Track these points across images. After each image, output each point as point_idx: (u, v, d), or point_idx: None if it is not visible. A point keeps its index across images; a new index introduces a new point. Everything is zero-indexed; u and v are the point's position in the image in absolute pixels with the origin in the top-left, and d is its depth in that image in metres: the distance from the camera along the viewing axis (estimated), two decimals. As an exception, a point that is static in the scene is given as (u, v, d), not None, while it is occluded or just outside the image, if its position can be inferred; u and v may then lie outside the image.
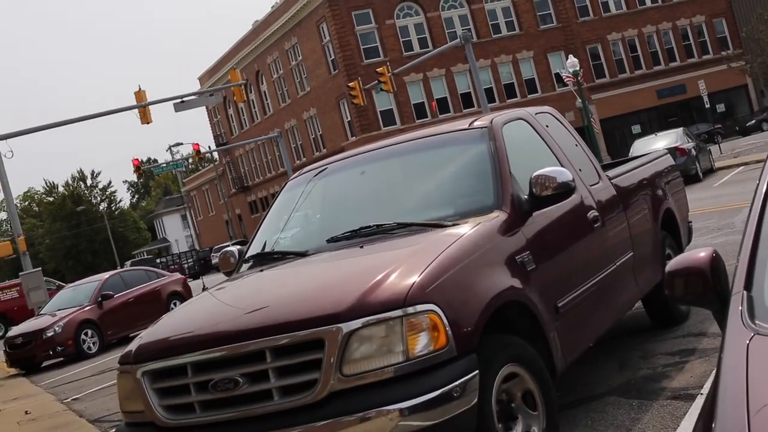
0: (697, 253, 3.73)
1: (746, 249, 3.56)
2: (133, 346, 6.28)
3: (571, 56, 56.13)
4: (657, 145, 32.62)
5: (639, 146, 34.59)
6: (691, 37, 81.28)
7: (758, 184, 3.91)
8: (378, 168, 8.15)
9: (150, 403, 5.88)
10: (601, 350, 9.02)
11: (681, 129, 38.42)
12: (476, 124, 7.85)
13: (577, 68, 51.86)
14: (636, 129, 73.95)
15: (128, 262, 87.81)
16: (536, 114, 8.53)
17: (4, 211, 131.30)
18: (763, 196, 3.77)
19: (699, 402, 6.86)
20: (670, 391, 7.42)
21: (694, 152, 34.26)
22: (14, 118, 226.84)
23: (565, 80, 50.95)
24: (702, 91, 60.22)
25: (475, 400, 5.38)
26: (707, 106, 62.07)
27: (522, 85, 74.29)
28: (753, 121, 73.31)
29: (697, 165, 34.26)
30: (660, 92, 78.27)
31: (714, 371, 7.31)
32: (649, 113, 77.78)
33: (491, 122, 7.70)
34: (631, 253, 8.53)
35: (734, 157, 43.42)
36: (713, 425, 2.65)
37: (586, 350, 7.51)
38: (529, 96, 72.20)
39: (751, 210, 3.77)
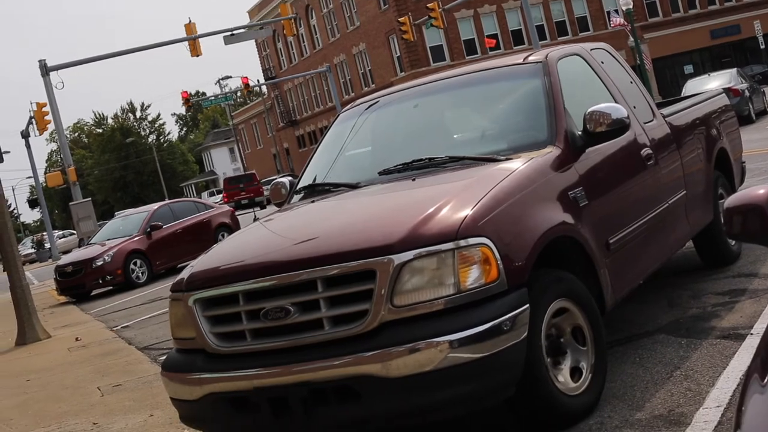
0: (756, 189, 3.69)
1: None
2: (185, 274, 6.33)
3: (624, -6, 55.44)
4: (710, 85, 32.19)
5: (691, 86, 34.16)
6: (747, -25, 79.90)
7: None
8: (431, 101, 8.11)
9: (201, 330, 5.94)
10: (650, 288, 8.98)
11: (734, 69, 37.84)
12: (531, 58, 7.78)
13: (630, 6, 51.21)
14: (688, 69, 72.99)
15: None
16: (591, 50, 8.44)
17: (54, 141, 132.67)
18: None
19: (749, 342, 6.83)
20: (719, 331, 7.38)
21: (747, 93, 33.79)
22: (65, 50, 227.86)
23: (611, 25, 49.99)
24: (757, 31, 59.47)
25: (525, 333, 5.38)
26: (762, 47, 61.29)
27: (573, 23, 73.57)
28: (809, 63, 72.19)
29: (750, 106, 33.81)
30: (714, 32, 77.12)
31: (765, 311, 7.30)
32: (702, 53, 76.78)
33: (546, 57, 7.63)
34: (684, 192, 8.46)
35: (788, 99, 42.79)
36: (772, 360, 2.63)
37: (636, 288, 7.48)
38: (580, 34, 71.51)
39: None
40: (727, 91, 28.22)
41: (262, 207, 63.66)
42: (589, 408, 5.96)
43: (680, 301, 8.59)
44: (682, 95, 20.76)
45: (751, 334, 7.04)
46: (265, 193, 68.16)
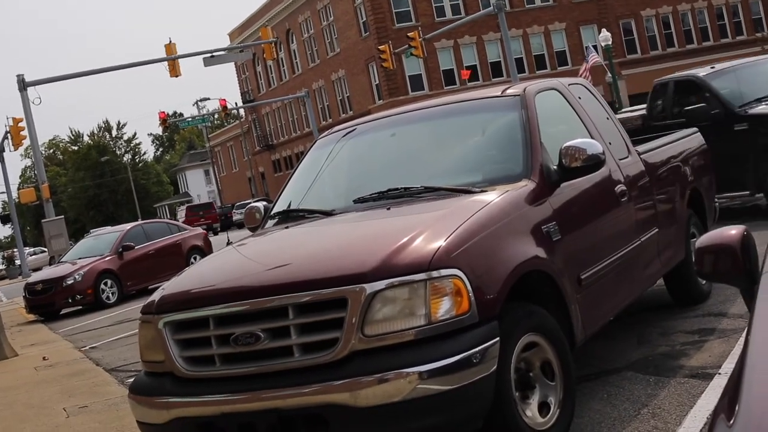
0: (728, 230, 3.72)
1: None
2: (155, 297, 6.30)
3: (603, 30, 55.97)
4: (686, 123, 32.36)
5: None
6: (725, 17, 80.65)
7: None
8: (408, 131, 8.13)
9: (170, 354, 5.91)
10: (620, 325, 9.01)
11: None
12: (509, 92, 7.82)
13: (610, 43, 51.55)
14: (665, 107, 73.37)
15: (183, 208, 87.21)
16: (569, 85, 8.49)
17: (29, 157, 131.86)
18: None
19: (717, 381, 6.86)
20: (687, 369, 7.40)
21: (722, 133, 33.99)
22: (44, 67, 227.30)
23: (589, 61, 49.96)
24: (734, 71, 59.80)
25: (495, 367, 5.37)
26: (738, 87, 61.65)
27: (553, 56, 74.03)
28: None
29: (725, 145, 34.00)
30: (691, 71, 77.66)
31: (734, 351, 7.33)
32: (679, 91, 77.19)
33: (524, 91, 7.66)
34: (656, 230, 8.51)
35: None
36: (738, 402, 2.64)
37: (606, 324, 7.50)
38: (559, 68, 71.89)
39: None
40: (702, 129, 28.39)
41: (215, 233, 68.56)
42: (556, 444, 5.95)
43: (650, 339, 8.61)
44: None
45: (719, 373, 7.06)
46: (237, 217, 69.92)
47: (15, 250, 71.66)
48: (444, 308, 5.31)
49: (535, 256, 6.14)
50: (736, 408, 2.62)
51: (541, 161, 6.92)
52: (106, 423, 9.33)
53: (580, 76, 45.90)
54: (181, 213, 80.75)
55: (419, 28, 56.01)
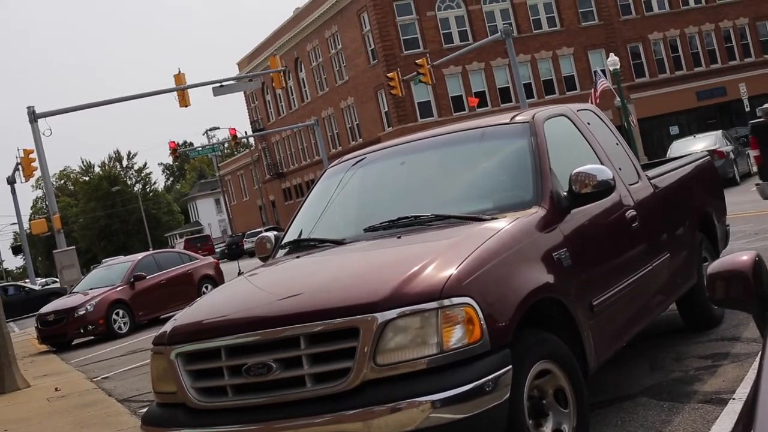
0: (739, 256, 3.70)
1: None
2: (167, 328, 6.31)
3: (611, 55, 55.94)
4: (695, 146, 32.42)
5: (677, 147, 34.43)
6: (733, 39, 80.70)
7: None
8: (417, 159, 8.14)
9: (182, 385, 5.91)
10: (633, 351, 8.97)
11: (720, 131, 38.19)
12: (518, 118, 7.83)
13: (618, 67, 51.57)
14: (674, 130, 73.38)
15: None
16: (578, 111, 8.50)
17: (40, 188, 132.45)
18: None
19: (731, 407, 6.82)
20: (701, 395, 7.37)
21: (732, 155, 34.05)
22: (54, 99, 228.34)
23: (599, 87, 49.87)
24: (743, 94, 59.88)
25: (507, 395, 5.36)
26: (747, 109, 61.67)
27: (561, 81, 74.10)
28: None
29: (735, 168, 34.05)
30: (700, 94, 77.75)
31: (748, 376, 7.29)
32: (688, 115, 77.27)
33: (533, 117, 7.67)
34: (668, 254, 8.48)
35: (773, 162, 42.98)
36: (753, 429, 2.63)
37: (619, 350, 7.48)
38: (567, 93, 72.01)
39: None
40: (712, 153, 28.43)
41: None
42: (570, 471, 5.93)
43: (663, 364, 8.58)
44: (668, 156, 20.87)
45: (734, 398, 7.03)
46: (248, 245, 69.06)
47: (27, 280, 71.81)
48: (456, 337, 5.30)
49: (546, 283, 6.13)
50: (751, 434, 2.61)
51: (551, 188, 6.92)
52: (118, 454, 9.31)
53: (591, 102, 45.92)
54: (179, 246, 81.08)
55: (427, 55, 56.15)
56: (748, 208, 22.76)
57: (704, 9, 79.95)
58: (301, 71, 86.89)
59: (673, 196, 9.19)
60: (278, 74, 50.94)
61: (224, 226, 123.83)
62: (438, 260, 5.74)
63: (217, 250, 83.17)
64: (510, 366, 5.41)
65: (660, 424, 6.79)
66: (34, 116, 42.13)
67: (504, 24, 60.03)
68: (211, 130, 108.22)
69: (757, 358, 7.90)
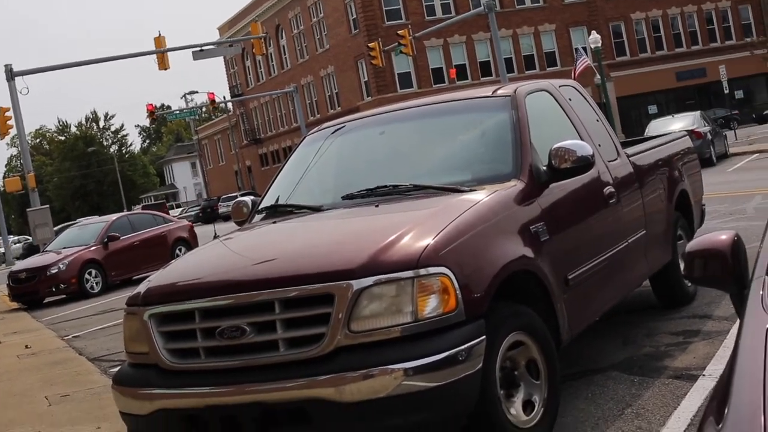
0: (719, 235, 3.72)
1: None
2: (141, 288, 6.29)
3: (593, 32, 55.97)
4: (673, 126, 32.50)
5: (655, 126, 34.50)
6: (715, 22, 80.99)
7: None
8: (398, 129, 8.12)
9: (155, 346, 5.89)
10: (606, 325, 9.02)
11: (698, 112, 38.23)
12: (500, 92, 7.82)
13: (599, 45, 51.55)
14: (653, 109, 73.65)
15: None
16: (560, 86, 8.50)
17: (15, 147, 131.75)
18: None
19: (701, 383, 6.88)
20: (672, 370, 7.42)
21: (709, 136, 34.14)
22: (32, 57, 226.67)
23: (578, 65, 49.55)
24: (722, 76, 60.05)
25: (480, 365, 5.38)
26: (726, 91, 61.95)
27: (542, 57, 74.13)
28: (771, 110, 73.06)
29: (712, 149, 34.15)
30: (679, 74, 77.97)
31: (718, 353, 7.36)
32: (667, 94, 77.51)
33: (515, 92, 7.66)
34: (644, 231, 8.52)
35: (749, 144, 43.31)
36: (727, 406, 2.65)
37: (592, 324, 7.52)
38: (548, 69, 72.01)
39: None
40: (690, 133, 28.53)
41: None
42: (539, 442, 5.96)
43: (635, 339, 8.63)
44: (646, 135, 20.92)
45: (704, 375, 7.09)
46: (223, 209, 69.59)
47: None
48: (431, 306, 5.30)
49: (522, 255, 6.14)
50: (726, 411, 2.63)
51: (530, 162, 6.92)
52: (88, 412, 9.30)
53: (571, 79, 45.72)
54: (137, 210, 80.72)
55: (409, 26, 56.07)
56: (724, 188, 22.90)
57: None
58: (282, 38, 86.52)
59: (651, 174, 9.22)
60: (259, 40, 50.68)
61: (200, 189, 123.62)
62: (415, 230, 5.73)
63: (192, 213, 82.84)
64: (484, 336, 5.42)
65: (630, 398, 6.84)
66: (11, 74, 41.90)
67: (487, -3, 59.93)
68: (189, 93, 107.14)
69: (728, 336, 7.99)
